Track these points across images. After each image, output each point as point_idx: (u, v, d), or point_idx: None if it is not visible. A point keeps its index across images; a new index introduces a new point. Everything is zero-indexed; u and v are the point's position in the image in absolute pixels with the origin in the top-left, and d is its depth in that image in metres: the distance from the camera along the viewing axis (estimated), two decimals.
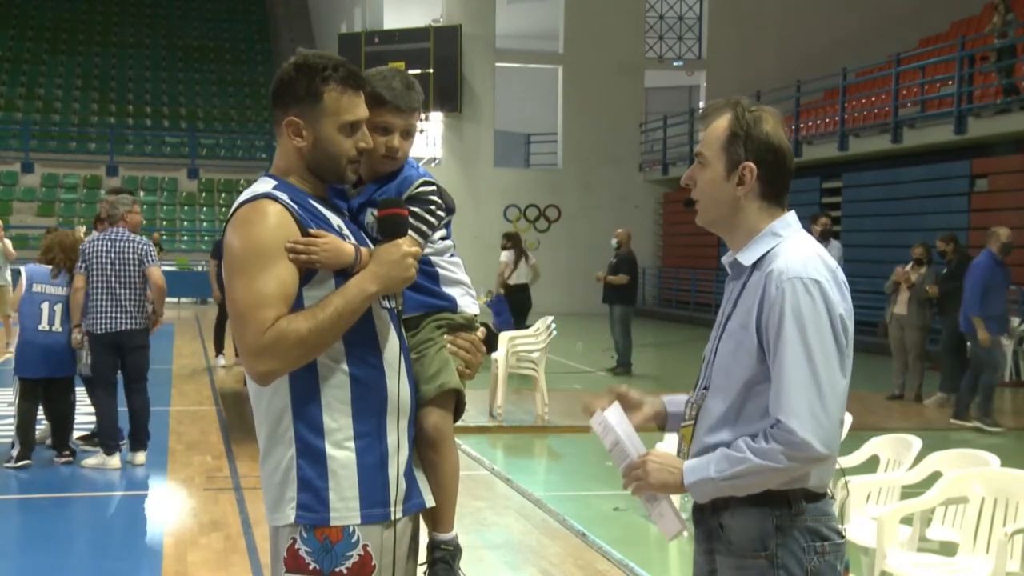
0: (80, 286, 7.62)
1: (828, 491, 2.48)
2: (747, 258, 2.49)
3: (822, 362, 2.33)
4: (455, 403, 2.67)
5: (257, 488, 7.34)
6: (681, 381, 13.55)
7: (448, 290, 2.72)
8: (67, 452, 8.01)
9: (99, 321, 7.64)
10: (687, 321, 23.30)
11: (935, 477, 4.96)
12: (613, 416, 2.57)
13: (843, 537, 2.49)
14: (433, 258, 2.70)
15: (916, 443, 5.30)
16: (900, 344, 11.76)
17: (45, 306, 7.82)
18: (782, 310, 2.35)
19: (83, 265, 7.63)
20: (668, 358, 17.75)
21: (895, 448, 5.37)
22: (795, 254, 2.42)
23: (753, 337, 2.41)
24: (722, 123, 2.51)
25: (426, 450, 2.61)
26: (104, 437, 7.87)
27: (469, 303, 2.76)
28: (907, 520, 4.95)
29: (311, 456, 2.41)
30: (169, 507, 7.07)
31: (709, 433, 2.48)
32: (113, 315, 7.64)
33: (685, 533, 2.60)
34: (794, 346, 2.33)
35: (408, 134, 2.67)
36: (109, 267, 7.61)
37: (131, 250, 7.67)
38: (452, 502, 2.66)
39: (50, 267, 7.94)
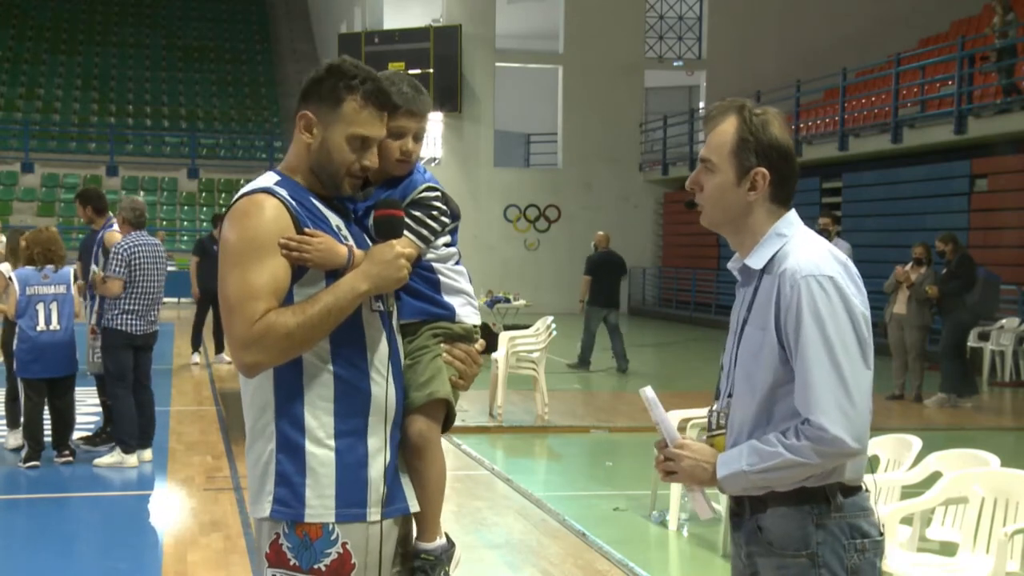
0: (119, 291, 7.72)
1: (863, 484, 2.47)
2: (756, 262, 2.48)
3: (844, 357, 2.33)
4: (445, 413, 2.65)
5: None
6: (681, 381, 13.58)
7: (449, 299, 2.69)
8: (67, 452, 8.02)
9: (139, 323, 7.84)
10: (687, 321, 23.30)
11: (935, 477, 4.97)
12: (649, 395, 2.58)
13: (883, 534, 2.47)
14: (436, 264, 2.68)
15: (916, 443, 5.30)
16: (900, 344, 11.75)
17: (40, 307, 7.87)
18: (799, 309, 2.34)
19: (124, 270, 7.70)
20: (668, 358, 17.75)
21: (895, 448, 5.38)
22: (805, 252, 2.41)
23: (773, 339, 2.40)
24: (728, 128, 2.48)
25: (411, 457, 2.59)
26: (123, 435, 7.92)
27: (469, 313, 2.72)
28: (907, 520, 4.95)
29: (290, 452, 2.42)
30: (169, 507, 7.07)
31: (741, 438, 2.47)
32: (151, 318, 7.94)
33: (712, 514, 2.64)
34: (815, 344, 2.33)
35: (419, 138, 2.67)
36: (154, 271, 7.89)
37: (164, 256, 8.09)
38: (436, 511, 2.64)
39: (47, 266, 7.98)
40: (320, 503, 2.42)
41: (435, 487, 2.62)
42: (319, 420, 2.43)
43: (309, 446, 2.42)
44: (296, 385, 2.43)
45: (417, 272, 2.59)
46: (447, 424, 2.67)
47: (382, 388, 2.49)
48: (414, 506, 2.57)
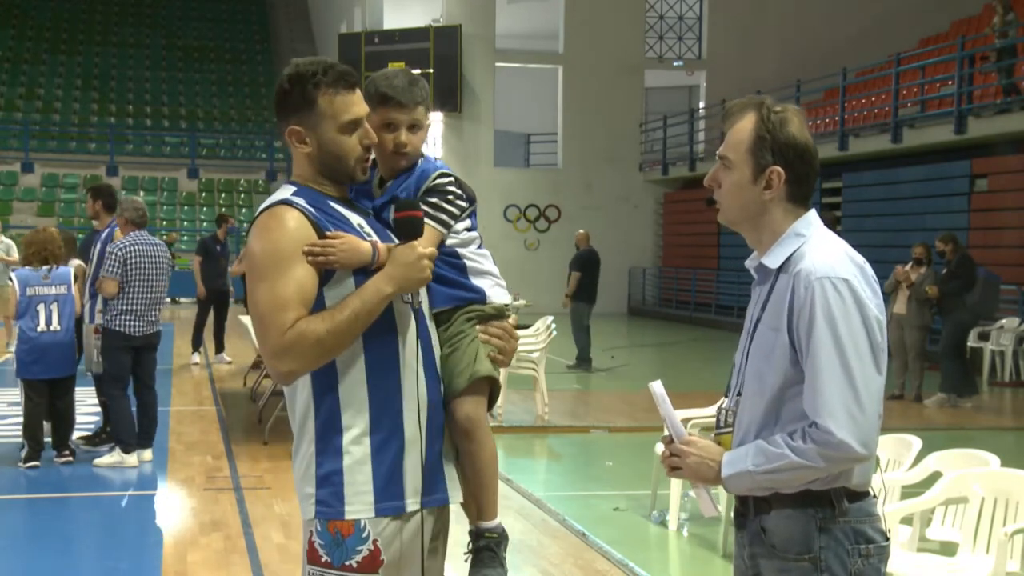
0: (114, 291, 7.69)
1: (871, 490, 2.45)
2: (773, 261, 2.47)
3: (856, 361, 2.31)
4: (488, 393, 2.70)
5: (257, 488, 7.37)
6: (681, 381, 13.56)
7: (477, 281, 2.75)
8: (67, 452, 8.02)
9: (137, 324, 7.81)
10: (687, 321, 23.30)
11: (935, 477, 4.97)
12: (657, 390, 2.59)
13: (887, 539, 2.46)
14: (459, 250, 2.73)
15: (916, 443, 5.30)
16: (900, 344, 11.75)
17: (41, 308, 7.86)
18: (812, 311, 2.33)
19: (118, 270, 7.68)
20: (668, 358, 17.74)
21: (895, 448, 5.37)
22: (822, 253, 2.40)
23: (785, 340, 2.38)
24: (746, 125, 2.47)
25: (461, 440, 2.63)
26: (122, 435, 7.92)
27: (499, 293, 2.78)
28: (907, 520, 4.95)
29: (329, 452, 2.49)
30: (169, 507, 7.06)
31: (748, 437, 2.45)
32: (151, 318, 7.90)
33: (717, 513, 2.64)
34: (827, 347, 2.31)
35: (415, 128, 2.72)
36: (153, 272, 7.84)
37: (166, 257, 8.03)
38: (493, 490, 2.69)
39: (43, 267, 7.98)
40: (359, 499, 2.48)
41: (489, 467, 2.67)
42: (355, 419, 2.49)
43: (346, 445, 2.48)
44: (331, 385, 2.49)
45: (442, 259, 2.65)
46: (492, 401, 2.72)
47: (413, 382, 2.53)
48: (456, 496, 2.63)
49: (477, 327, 2.71)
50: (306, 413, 2.52)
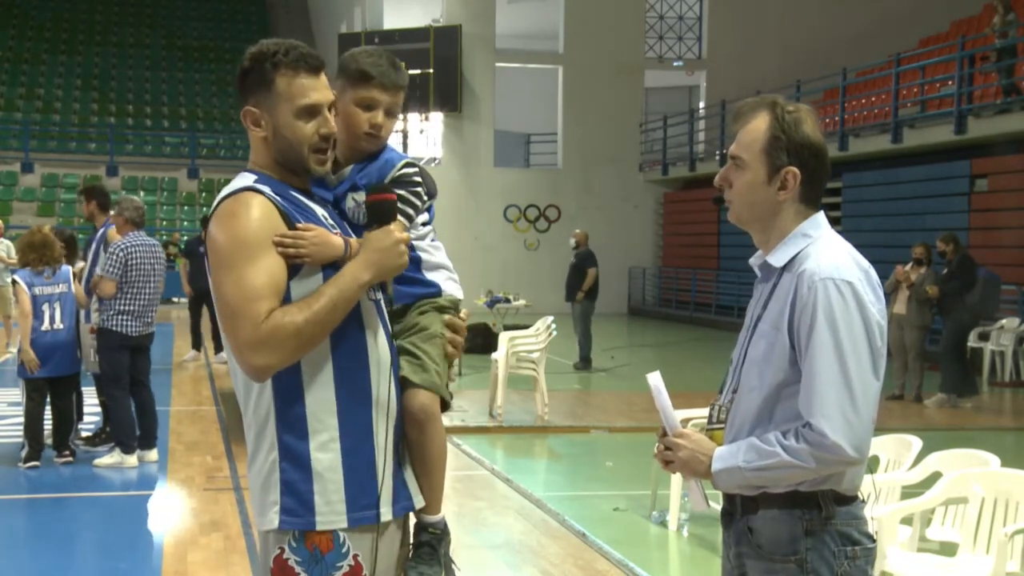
0: (112, 292, 7.69)
1: (859, 494, 2.45)
2: (777, 260, 2.46)
3: (854, 364, 2.30)
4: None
5: None
6: (680, 381, 13.56)
7: (431, 275, 2.69)
8: (67, 452, 8.02)
9: (135, 324, 7.82)
10: (687, 321, 23.29)
11: (935, 477, 4.97)
12: (654, 381, 2.57)
13: (874, 541, 2.46)
14: (415, 243, 2.65)
15: (916, 443, 5.30)
16: (900, 344, 11.75)
17: (46, 307, 7.87)
18: (814, 311, 2.32)
19: (118, 270, 7.67)
20: (668, 357, 17.73)
21: (895, 448, 5.38)
22: (827, 255, 2.39)
23: (785, 339, 2.37)
24: (760, 124, 2.45)
25: (412, 430, 2.54)
26: (122, 436, 7.92)
27: (452, 287, 2.73)
28: (907, 520, 4.95)
29: (295, 459, 2.34)
30: (169, 507, 7.07)
31: (741, 435, 2.45)
32: (148, 319, 7.92)
33: (707, 508, 2.61)
34: (826, 348, 2.30)
35: (391, 113, 2.63)
36: (152, 272, 7.86)
37: (162, 257, 8.07)
38: (440, 484, 2.60)
39: (45, 268, 7.99)
40: (329, 508, 2.34)
41: (438, 460, 2.59)
42: (323, 423, 2.35)
43: (313, 451, 2.34)
44: (296, 388, 2.34)
45: None
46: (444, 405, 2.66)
47: (382, 384, 2.43)
48: (419, 501, 2.54)
49: (441, 324, 2.65)
50: (266, 417, 2.35)
